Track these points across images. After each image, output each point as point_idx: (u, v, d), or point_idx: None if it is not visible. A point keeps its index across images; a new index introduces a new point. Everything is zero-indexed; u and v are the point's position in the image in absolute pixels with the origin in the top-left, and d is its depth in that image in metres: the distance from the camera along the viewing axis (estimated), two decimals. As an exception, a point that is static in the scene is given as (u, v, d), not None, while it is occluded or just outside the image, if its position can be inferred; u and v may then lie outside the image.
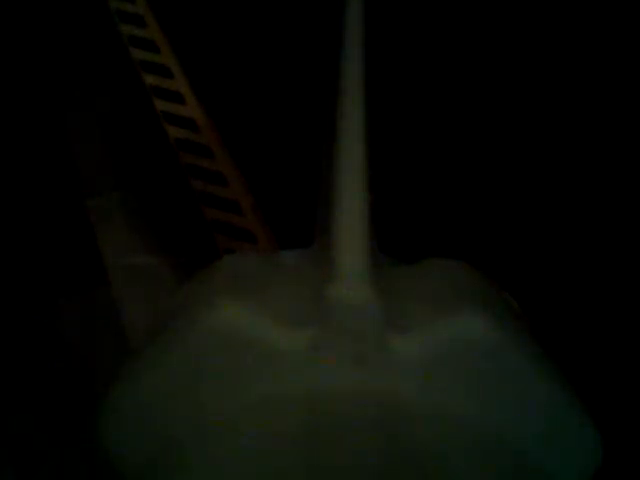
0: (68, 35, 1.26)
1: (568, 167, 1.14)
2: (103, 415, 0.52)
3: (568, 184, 1.12)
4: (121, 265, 1.04)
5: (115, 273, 1.03)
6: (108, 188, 1.11)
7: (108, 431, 0.51)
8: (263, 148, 1.14)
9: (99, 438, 0.51)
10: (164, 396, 0.50)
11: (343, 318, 0.49)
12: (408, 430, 0.45)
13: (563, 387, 0.52)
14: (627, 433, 0.90)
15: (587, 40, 1.22)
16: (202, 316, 0.52)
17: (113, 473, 0.50)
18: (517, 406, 0.49)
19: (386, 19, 1.14)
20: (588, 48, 1.22)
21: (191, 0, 1.29)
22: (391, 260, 0.63)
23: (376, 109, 0.60)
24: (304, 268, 0.59)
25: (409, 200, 1.10)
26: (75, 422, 0.84)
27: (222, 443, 0.47)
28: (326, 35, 0.65)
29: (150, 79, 1.21)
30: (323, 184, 0.59)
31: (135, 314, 0.99)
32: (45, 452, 0.89)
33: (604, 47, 1.22)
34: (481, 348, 0.50)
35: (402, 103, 1.15)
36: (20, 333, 0.97)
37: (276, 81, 1.20)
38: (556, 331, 0.94)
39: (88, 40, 1.26)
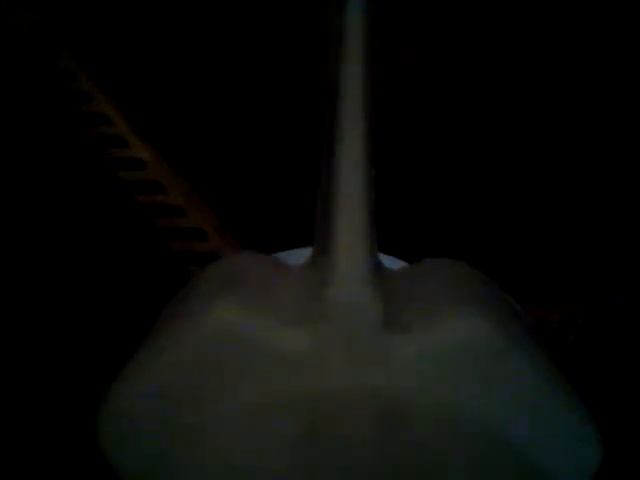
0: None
1: (568, 167, 1.15)
2: (102, 417, 0.51)
3: (568, 184, 1.13)
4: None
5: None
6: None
7: (107, 433, 0.51)
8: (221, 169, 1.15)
9: (98, 440, 0.51)
10: (164, 397, 0.50)
11: (343, 319, 0.49)
12: (408, 431, 0.46)
13: (563, 387, 0.52)
14: (627, 433, 0.89)
15: (587, 40, 1.23)
16: (200, 316, 0.52)
17: (112, 476, 0.50)
18: (517, 406, 0.49)
19: (386, 18, 1.12)
20: (588, 48, 1.23)
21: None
22: (391, 260, 0.63)
23: (377, 107, 0.59)
24: (304, 268, 0.58)
25: (409, 200, 1.11)
26: (75, 423, 0.82)
27: (222, 444, 0.47)
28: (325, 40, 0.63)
29: (92, 130, 1.22)
30: (322, 183, 0.59)
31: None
32: (45, 452, 0.88)
33: (604, 47, 1.23)
34: (481, 349, 0.49)
35: (402, 103, 1.16)
36: (20, 332, 0.97)
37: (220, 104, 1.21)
38: (556, 332, 0.94)
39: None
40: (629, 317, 1.01)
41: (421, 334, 0.49)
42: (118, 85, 1.25)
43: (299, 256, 0.62)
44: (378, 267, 0.55)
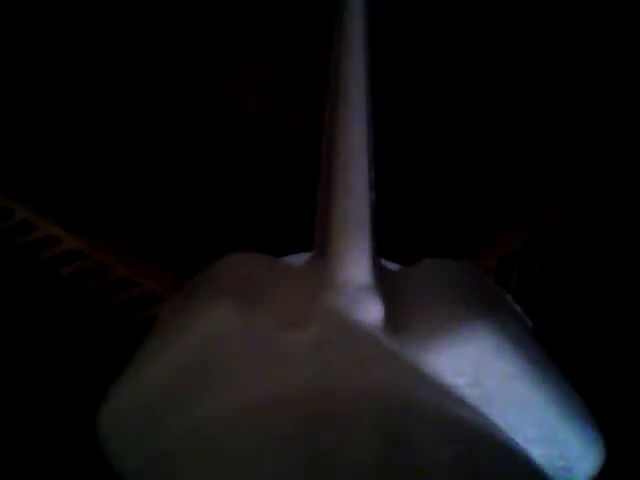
0: None
1: (567, 167, 1.20)
2: (103, 416, 0.53)
3: (569, 184, 1.18)
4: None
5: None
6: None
7: (108, 432, 0.52)
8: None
9: (98, 440, 0.52)
10: (164, 396, 0.51)
11: (343, 319, 0.51)
12: (407, 430, 0.48)
13: (565, 388, 0.55)
14: (628, 433, 0.93)
15: (586, 40, 1.29)
16: (202, 316, 0.53)
17: (113, 474, 0.51)
18: (518, 407, 0.51)
19: (387, 18, 1.12)
20: (586, 49, 1.29)
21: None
22: (391, 261, 0.65)
23: (377, 109, 0.60)
24: (304, 269, 0.60)
25: (409, 200, 1.14)
26: (76, 423, 0.79)
27: (222, 443, 0.48)
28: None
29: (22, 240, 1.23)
30: (322, 185, 0.60)
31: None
32: (45, 452, 0.89)
33: (602, 48, 1.29)
34: (482, 349, 0.52)
35: (402, 105, 1.19)
36: (21, 333, 0.97)
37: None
38: (558, 332, 0.96)
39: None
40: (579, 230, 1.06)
41: (421, 335, 0.51)
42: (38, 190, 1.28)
43: (299, 259, 0.63)
44: (378, 268, 0.56)
